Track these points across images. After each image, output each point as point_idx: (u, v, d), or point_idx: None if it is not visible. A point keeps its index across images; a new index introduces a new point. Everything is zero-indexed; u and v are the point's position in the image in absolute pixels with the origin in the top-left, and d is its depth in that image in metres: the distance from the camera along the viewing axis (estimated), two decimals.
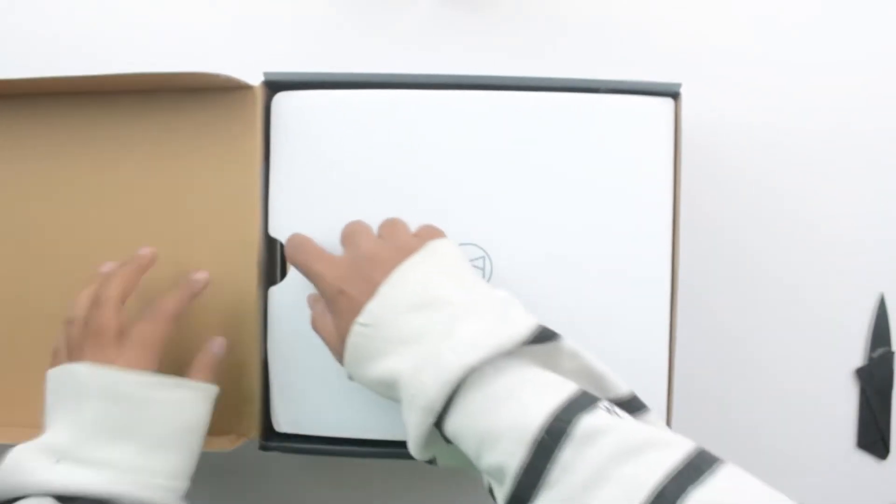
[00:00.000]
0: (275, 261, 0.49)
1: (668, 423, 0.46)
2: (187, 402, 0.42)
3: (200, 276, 0.45)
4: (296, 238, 0.43)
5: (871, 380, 0.56)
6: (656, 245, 0.45)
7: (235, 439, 0.47)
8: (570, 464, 0.30)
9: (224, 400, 0.46)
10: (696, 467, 0.30)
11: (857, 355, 0.56)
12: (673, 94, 0.45)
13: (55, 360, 0.42)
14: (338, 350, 0.39)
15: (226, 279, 0.46)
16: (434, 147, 0.45)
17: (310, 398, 0.46)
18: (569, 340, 0.36)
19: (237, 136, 0.46)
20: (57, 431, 0.39)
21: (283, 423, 0.47)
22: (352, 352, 0.38)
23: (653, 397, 0.46)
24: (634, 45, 0.55)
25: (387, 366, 0.36)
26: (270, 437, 0.47)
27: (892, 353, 0.56)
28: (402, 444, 0.38)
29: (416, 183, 0.45)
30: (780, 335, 0.55)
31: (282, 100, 0.46)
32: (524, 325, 0.35)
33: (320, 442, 0.47)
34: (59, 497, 0.36)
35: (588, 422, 0.31)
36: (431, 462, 0.37)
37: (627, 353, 0.45)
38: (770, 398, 0.56)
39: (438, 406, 0.33)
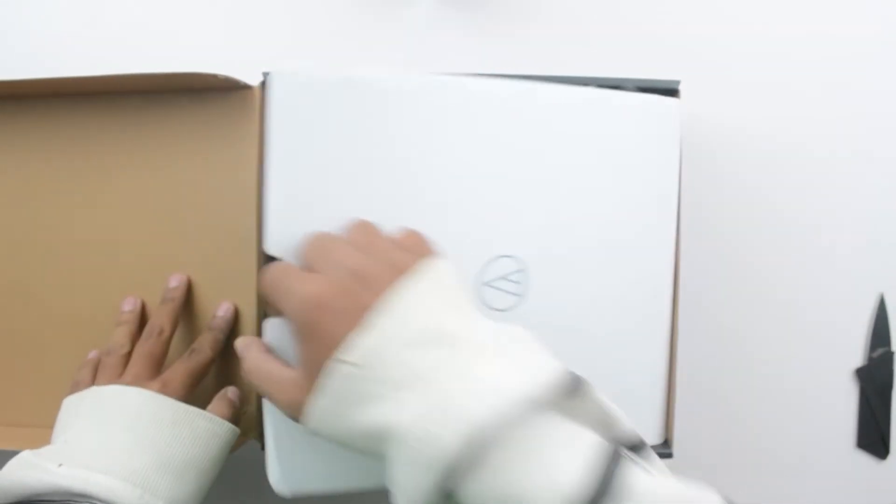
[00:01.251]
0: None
1: (669, 423, 0.46)
2: (212, 437, 0.41)
3: (223, 312, 0.46)
4: (272, 266, 0.35)
5: (871, 380, 0.56)
6: (660, 244, 0.45)
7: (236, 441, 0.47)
8: None
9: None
10: None
11: (857, 355, 0.56)
12: (671, 91, 0.45)
13: (74, 390, 0.42)
14: (296, 396, 0.31)
15: (224, 280, 0.46)
16: (441, 142, 0.40)
17: (313, 452, 0.38)
18: (590, 384, 0.30)
19: (237, 137, 0.46)
20: (64, 443, 0.39)
21: (283, 482, 0.39)
22: (330, 397, 0.30)
23: (653, 397, 0.46)
24: (634, 43, 0.55)
25: (378, 414, 0.29)
26: None
27: (892, 353, 0.56)
28: None
29: (420, 181, 0.40)
30: (780, 335, 0.55)
31: (278, 85, 0.38)
32: (553, 371, 0.30)
33: None
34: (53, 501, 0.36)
35: (624, 479, 0.27)
36: None
37: (628, 351, 0.45)
38: (770, 398, 0.56)
39: (453, 460, 0.27)
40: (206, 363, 0.44)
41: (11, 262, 0.48)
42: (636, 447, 0.30)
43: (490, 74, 0.45)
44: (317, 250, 0.34)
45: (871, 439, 0.56)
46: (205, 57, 0.55)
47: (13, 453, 0.44)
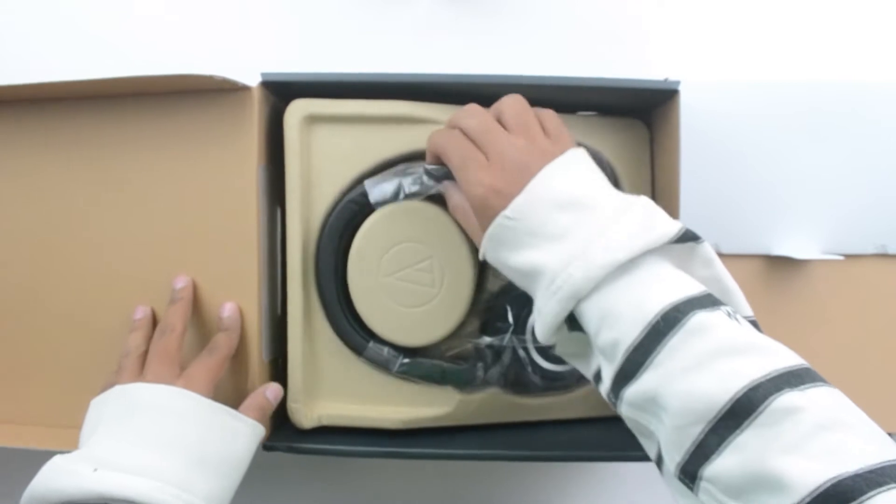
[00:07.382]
0: (275, 261, 0.49)
1: None
2: (238, 434, 0.42)
3: (230, 312, 0.46)
4: (459, 139, 0.42)
5: None
6: None
7: None
8: (676, 350, 0.32)
9: (226, 401, 0.46)
10: (798, 376, 0.31)
11: None
12: (672, 90, 0.45)
13: (101, 391, 0.43)
14: (478, 236, 0.41)
15: (225, 279, 0.47)
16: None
17: None
18: (708, 246, 0.37)
19: (235, 137, 0.46)
20: (94, 445, 0.39)
21: None
22: (491, 240, 0.40)
23: None
24: (634, 43, 0.55)
25: (530, 257, 0.38)
26: (274, 437, 0.48)
27: None
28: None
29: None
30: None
31: None
32: (670, 227, 0.36)
33: (322, 442, 0.47)
34: None
35: (703, 317, 0.33)
36: (552, 347, 0.40)
37: None
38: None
39: (583, 296, 0.36)
40: (224, 360, 0.44)
41: (16, 264, 0.49)
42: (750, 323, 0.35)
43: (490, 74, 0.45)
44: (484, 135, 0.41)
45: None
46: (204, 58, 0.55)
47: (20, 450, 0.45)
